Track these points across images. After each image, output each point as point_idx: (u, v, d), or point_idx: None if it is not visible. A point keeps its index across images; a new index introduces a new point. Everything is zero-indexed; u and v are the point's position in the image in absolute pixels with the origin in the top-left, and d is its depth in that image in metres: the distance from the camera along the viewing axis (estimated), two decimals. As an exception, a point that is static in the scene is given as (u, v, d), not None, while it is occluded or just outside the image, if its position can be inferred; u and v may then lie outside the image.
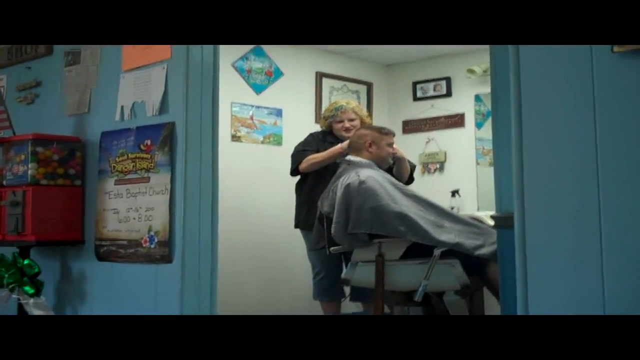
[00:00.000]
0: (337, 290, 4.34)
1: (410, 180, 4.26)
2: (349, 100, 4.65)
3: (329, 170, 4.19)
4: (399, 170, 4.10)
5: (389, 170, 4.13)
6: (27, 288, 3.13)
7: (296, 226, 4.39)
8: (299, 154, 4.30)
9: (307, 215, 4.26)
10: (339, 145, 4.16)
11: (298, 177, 4.37)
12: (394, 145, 4.01)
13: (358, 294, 4.26)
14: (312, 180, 4.27)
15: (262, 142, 4.95)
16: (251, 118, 4.90)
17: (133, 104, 3.16)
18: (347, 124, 4.33)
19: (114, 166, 3.19)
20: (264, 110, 4.97)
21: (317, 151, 4.26)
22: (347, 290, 4.30)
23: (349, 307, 4.62)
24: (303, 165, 4.23)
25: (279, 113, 5.04)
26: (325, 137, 4.37)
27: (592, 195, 1.86)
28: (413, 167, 4.31)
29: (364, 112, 4.49)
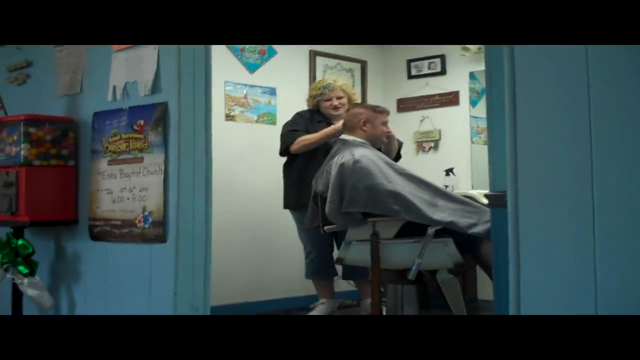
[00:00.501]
0: (329, 269, 4.35)
1: (397, 157, 4.26)
2: (336, 78, 4.62)
3: (318, 150, 4.18)
4: (388, 148, 4.09)
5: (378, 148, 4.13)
6: (21, 268, 3.13)
7: (285, 207, 4.38)
8: (289, 135, 4.27)
9: (297, 195, 4.26)
10: (332, 126, 4.15)
11: (286, 158, 4.36)
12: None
13: (350, 272, 4.28)
14: (302, 161, 4.25)
15: (257, 121, 4.93)
16: (245, 97, 4.88)
17: (125, 84, 3.14)
18: (335, 102, 4.30)
19: (107, 146, 3.18)
20: (258, 89, 4.95)
21: (306, 131, 4.24)
22: (339, 268, 4.32)
23: (342, 285, 4.64)
24: (294, 147, 4.21)
25: (272, 92, 5.02)
26: (312, 116, 4.35)
27: (585, 174, 1.86)
28: (400, 145, 4.30)
29: (352, 89, 4.47)
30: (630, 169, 1.79)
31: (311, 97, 4.41)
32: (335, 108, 4.30)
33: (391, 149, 4.13)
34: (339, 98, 4.32)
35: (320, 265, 4.32)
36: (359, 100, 4.55)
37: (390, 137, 4.06)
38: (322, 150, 4.15)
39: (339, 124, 4.09)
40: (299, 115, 4.39)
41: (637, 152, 1.78)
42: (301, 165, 4.26)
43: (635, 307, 1.77)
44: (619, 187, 1.81)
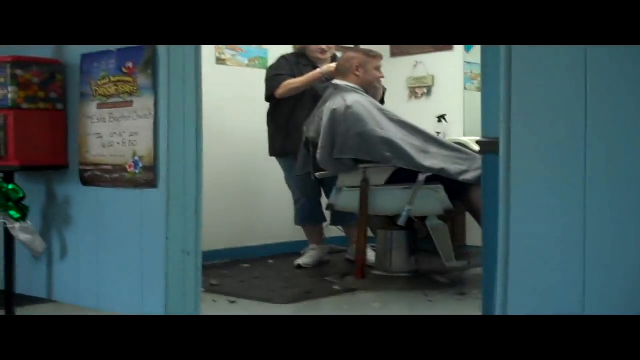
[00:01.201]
0: (318, 215, 4.37)
1: (381, 102, 4.22)
2: None
3: (305, 95, 4.14)
4: (373, 93, 4.06)
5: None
6: (12, 212, 3.12)
7: (272, 154, 4.36)
8: (274, 79, 4.21)
9: (283, 142, 4.24)
10: (318, 70, 4.09)
11: (269, 103, 4.32)
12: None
13: (339, 218, 4.30)
14: (287, 107, 4.21)
15: (247, 65, 4.87)
16: (236, 40, 4.81)
17: (114, 26, 3.08)
18: (323, 45, 4.25)
19: (96, 90, 3.14)
20: (249, 32, 4.88)
21: (292, 75, 4.18)
22: (328, 215, 4.34)
23: (333, 230, 4.67)
24: (280, 91, 4.16)
25: (264, 35, 4.95)
26: (299, 60, 4.29)
27: (579, 122, 1.85)
28: (384, 90, 4.25)
29: None
30: (625, 116, 1.79)
31: None
32: (323, 52, 4.25)
33: (376, 93, 4.09)
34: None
35: (309, 212, 4.33)
36: (375, 48, 4.48)
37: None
38: (309, 96, 4.12)
39: (325, 67, 4.04)
40: (283, 58, 4.33)
41: (633, 99, 1.77)
42: (286, 112, 4.22)
43: (624, 256, 1.79)
44: (611, 136, 1.81)
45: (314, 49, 4.25)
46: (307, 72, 4.16)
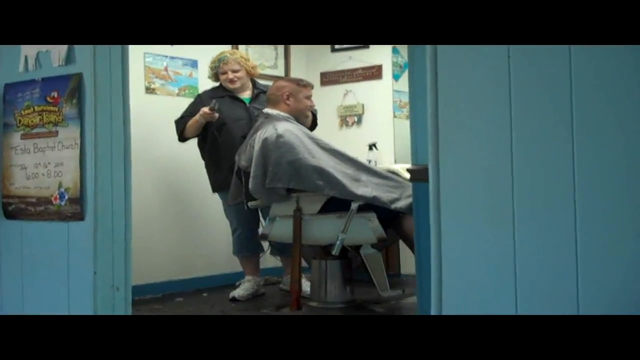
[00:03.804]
0: (255, 245, 4.33)
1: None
2: (235, 50, 4.56)
3: (224, 129, 4.14)
4: (304, 121, 4.08)
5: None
6: None
7: (213, 190, 4.33)
8: (179, 122, 4.25)
9: (214, 177, 4.23)
10: (203, 109, 4.08)
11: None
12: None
13: (277, 248, 4.27)
14: (209, 142, 4.21)
15: (178, 95, 4.82)
16: (165, 69, 4.76)
17: (38, 54, 3.00)
18: (230, 76, 4.25)
19: (20, 120, 3.04)
20: (179, 61, 4.83)
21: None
22: (265, 244, 4.31)
23: (269, 261, 4.63)
24: (187, 134, 4.20)
25: (194, 64, 4.91)
26: (215, 93, 4.29)
27: (505, 148, 1.89)
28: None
29: (250, 62, 4.39)
30: (549, 143, 1.83)
31: (210, 69, 4.37)
32: (232, 81, 4.25)
33: (305, 122, 4.11)
34: (234, 71, 4.26)
35: (246, 242, 4.29)
36: (258, 74, 4.50)
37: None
38: (228, 130, 4.13)
39: (200, 112, 4.05)
40: (198, 96, 4.38)
41: (557, 126, 1.82)
42: (210, 146, 4.22)
43: (551, 279, 1.82)
44: (537, 161, 1.85)
45: (222, 79, 4.26)
46: (225, 102, 4.15)
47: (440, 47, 1.99)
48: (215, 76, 4.36)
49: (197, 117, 4.12)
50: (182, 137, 4.25)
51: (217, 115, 4.07)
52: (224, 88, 4.30)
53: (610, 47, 1.74)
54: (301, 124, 3.89)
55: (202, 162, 4.35)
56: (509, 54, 1.88)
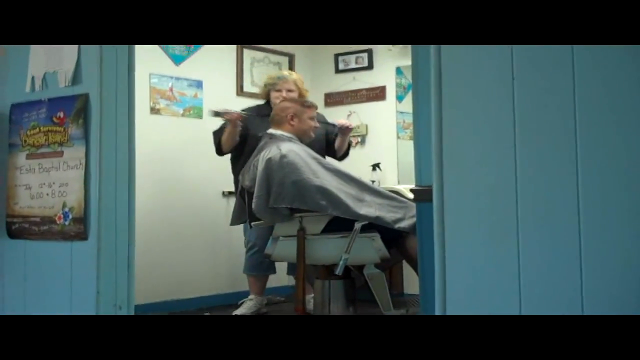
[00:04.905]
0: (267, 265, 4.31)
1: (346, 153, 4.30)
2: (292, 72, 4.62)
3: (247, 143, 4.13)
4: (343, 141, 4.21)
5: (332, 140, 4.21)
6: None
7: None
8: (217, 132, 4.22)
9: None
10: (235, 112, 4.08)
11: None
12: (341, 120, 4.18)
13: (294, 267, 4.24)
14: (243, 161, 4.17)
15: (183, 115, 4.84)
16: (170, 90, 4.78)
17: (44, 74, 3.03)
18: (284, 94, 4.27)
19: (25, 140, 3.06)
20: (184, 81, 4.86)
21: (246, 128, 4.15)
22: (277, 266, 4.30)
23: (273, 281, 4.62)
24: (223, 144, 4.17)
25: (199, 85, 4.94)
26: (260, 110, 4.29)
27: (509, 168, 1.90)
28: (350, 143, 4.31)
29: (304, 86, 4.45)
30: (553, 163, 1.84)
31: (264, 86, 4.39)
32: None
33: (343, 145, 4.23)
34: (289, 91, 4.28)
35: (261, 260, 4.25)
36: (310, 98, 4.51)
37: (348, 129, 4.18)
38: (249, 142, 4.11)
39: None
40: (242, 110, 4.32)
41: (559, 146, 1.82)
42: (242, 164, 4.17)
43: (557, 297, 1.82)
44: (541, 181, 1.86)
45: (275, 96, 4.27)
46: (261, 121, 4.12)
47: (444, 68, 2.01)
48: (266, 94, 4.36)
49: (231, 122, 4.08)
50: (220, 149, 4.22)
51: (240, 117, 4.04)
52: (269, 107, 4.27)
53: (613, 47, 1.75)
54: (305, 144, 3.90)
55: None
56: (513, 77, 1.89)
